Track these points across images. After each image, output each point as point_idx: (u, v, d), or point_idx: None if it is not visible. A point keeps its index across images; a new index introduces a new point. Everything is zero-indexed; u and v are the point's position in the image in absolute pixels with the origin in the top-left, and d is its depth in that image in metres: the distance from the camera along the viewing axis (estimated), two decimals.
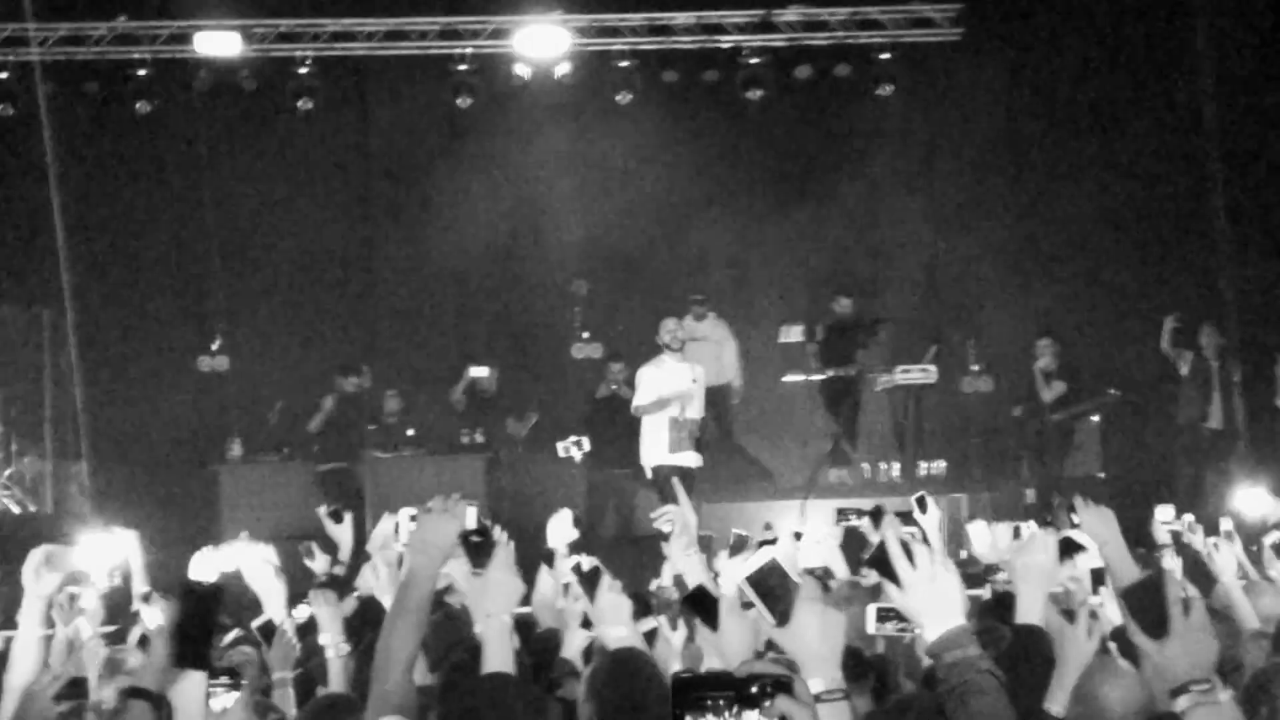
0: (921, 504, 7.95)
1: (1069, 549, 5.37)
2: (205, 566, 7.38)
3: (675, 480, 9.09)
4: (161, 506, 15.98)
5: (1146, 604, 3.79)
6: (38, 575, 6.04)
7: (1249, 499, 9.48)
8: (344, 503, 11.40)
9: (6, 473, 18.12)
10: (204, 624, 4.21)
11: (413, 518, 7.26)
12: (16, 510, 17.81)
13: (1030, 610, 5.20)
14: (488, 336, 19.52)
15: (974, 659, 3.87)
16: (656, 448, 15.06)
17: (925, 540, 6.90)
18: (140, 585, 8.25)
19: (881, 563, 4.00)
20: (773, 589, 3.81)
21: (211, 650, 4.41)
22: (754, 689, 3.16)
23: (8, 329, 18.73)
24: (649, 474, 15.36)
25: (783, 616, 3.81)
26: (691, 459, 15.08)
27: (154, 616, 6.92)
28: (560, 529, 8.22)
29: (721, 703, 3.16)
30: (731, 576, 6.63)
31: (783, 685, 3.20)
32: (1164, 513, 9.09)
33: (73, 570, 6.81)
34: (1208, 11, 17.35)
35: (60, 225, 17.83)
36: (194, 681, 4.32)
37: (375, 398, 18.08)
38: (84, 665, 6.47)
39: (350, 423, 17.35)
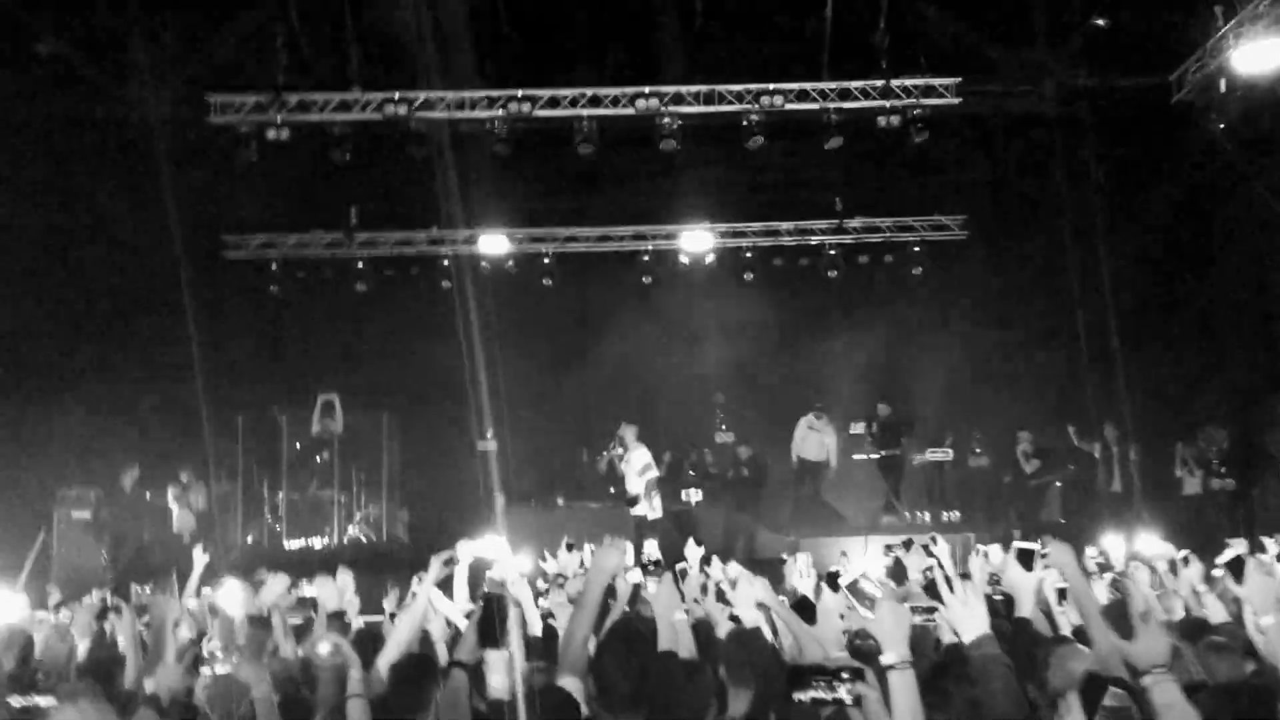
0: (934, 540, 7.75)
1: (1025, 558, 5.29)
2: (468, 548, 7.16)
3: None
4: (453, 538, 16.44)
5: (1117, 618, 4.14)
6: (434, 570, 6.36)
7: (1146, 541, 9.24)
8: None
9: (359, 515, 18.86)
10: (495, 620, 4.72)
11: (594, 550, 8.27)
12: (364, 540, 18.51)
13: (1024, 607, 5.38)
14: (660, 428, 19.24)
15: (996, 654, 4.14)
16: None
17: (941, 565, 7.84)
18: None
19: (932, 588, 4.36)
20: (863, 592, 4.26)
21: (502, 635, 4.72)
22: (842, 674, 3.57)
23: (361, 425, 19.07)
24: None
25: (871, 609, 4.12)
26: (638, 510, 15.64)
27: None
28: (693, 553, 8.52)
29: (819, 682, 3.57)
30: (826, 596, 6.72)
31: (859, 673, 3.64)
32: (1090, 551, 9.46)
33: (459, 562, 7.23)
34: (1120, 224, 17.65)
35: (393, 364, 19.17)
36: (497, 655, 4.71)
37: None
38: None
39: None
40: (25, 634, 7.26)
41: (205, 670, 5.22)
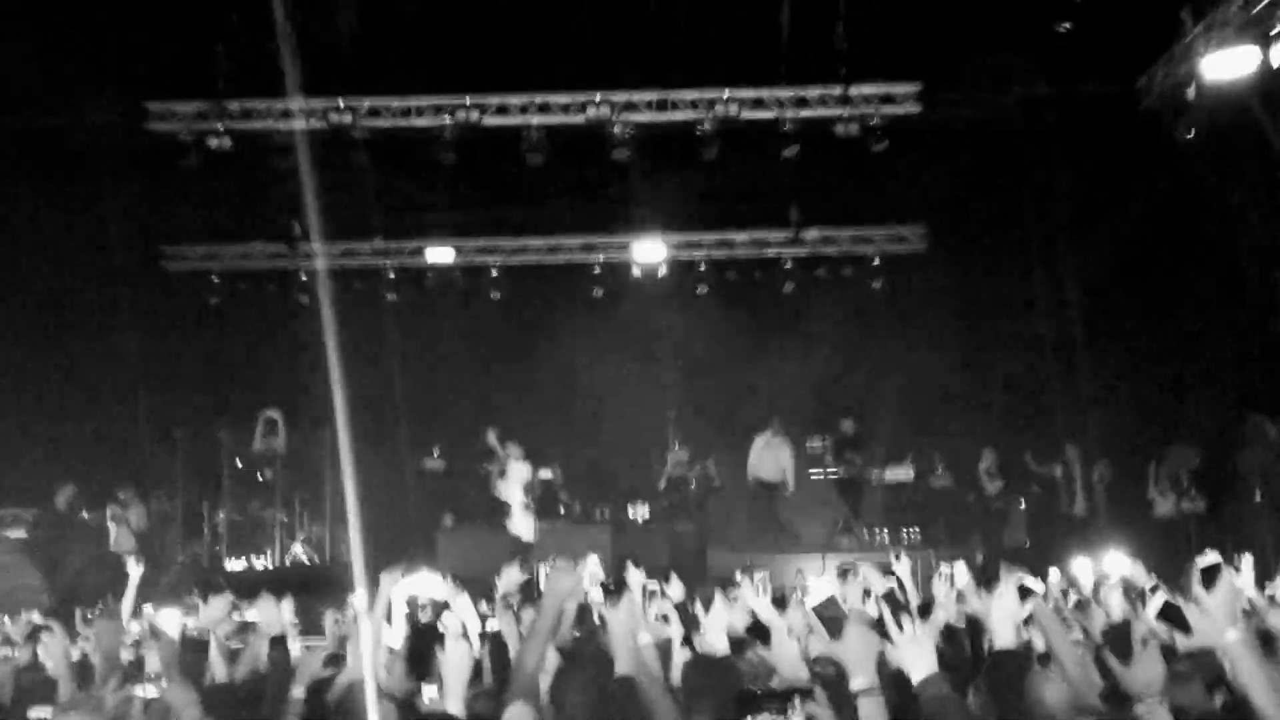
0: (896, 556, 7.68)
1: (1025, 593, 5.16)
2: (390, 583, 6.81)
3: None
4: (401, 559, 16.48)
5: (1119, 640, 4.20)
6: (384, 590, 6.34)
7: (1113, 561, 9.19)
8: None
9: (302, 536, 18.83)
10: (425, 649, 4.86)
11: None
12: (307, 562, 18.48)
13: (1004, 638, 5.17)
14: (609, 443, 19.72)
15: (946, 693, 4.08)
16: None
17: (901, 586, 7.75)
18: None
19: (880, 625, 4.18)
20: (829, 615, 4.02)
21: (431, 665, 4.79)
22: (794, 697, 3.62)
23: (306, 444, 18.96)
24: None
25: (836, 634, 4.01)
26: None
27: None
28: (634, 576, 9.05)
29: (770, 706, 3.61)
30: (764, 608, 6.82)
31: (808, 693, 3.73)
32: (1054, 574, 9.68)
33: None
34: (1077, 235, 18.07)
35: (337, 375, 19.70)
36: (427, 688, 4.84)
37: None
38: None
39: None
40: None
41: (135, 693, 5.25)
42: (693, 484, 18.57)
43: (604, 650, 5.15)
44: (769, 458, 18.22)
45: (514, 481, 16.37)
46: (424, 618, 7.52)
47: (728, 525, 18.41)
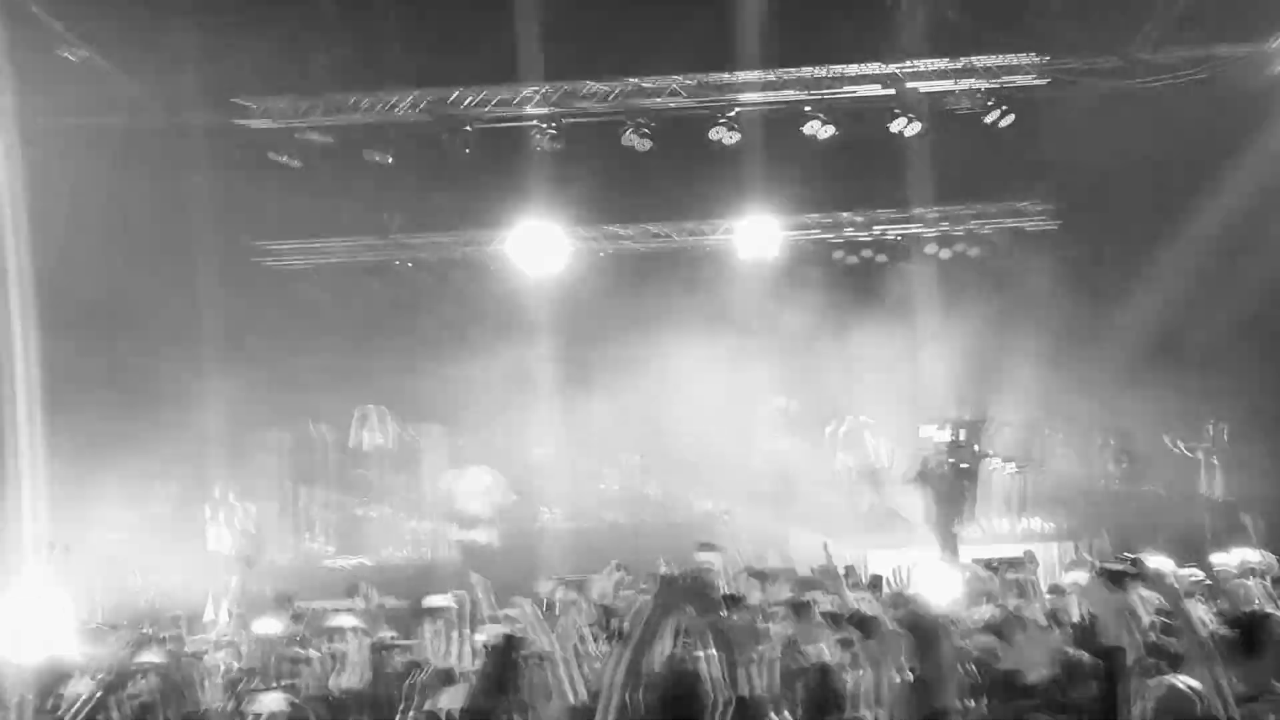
0: (1031, 557, 8.35)
1: (1118, 579, 5.10)
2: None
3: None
4: (504, 556, 16.61)
5: (1252, 630, 4.18)
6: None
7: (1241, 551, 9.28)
8: None
9: (403, 532, 19.02)
10: (506, 667, 4.92)
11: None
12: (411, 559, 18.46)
13: (1109, 633, 5.10)
14: (717, 431, 19.47)
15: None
16: None
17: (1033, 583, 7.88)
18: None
19: (1009, 624, 4.54)
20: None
21: (515, 681, 4.95)
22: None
23: (405, 438, 19.50)
24: None
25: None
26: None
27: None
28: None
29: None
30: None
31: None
32: (1190, 568, 9.54)
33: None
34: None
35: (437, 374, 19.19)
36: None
37: None
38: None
39: None
40: (63, 670, 7.91)
41: (250, 709, 5.63)
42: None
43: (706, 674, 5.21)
44: (859, 442, 18.51)
45: (477, 486, 16.89)
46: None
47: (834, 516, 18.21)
